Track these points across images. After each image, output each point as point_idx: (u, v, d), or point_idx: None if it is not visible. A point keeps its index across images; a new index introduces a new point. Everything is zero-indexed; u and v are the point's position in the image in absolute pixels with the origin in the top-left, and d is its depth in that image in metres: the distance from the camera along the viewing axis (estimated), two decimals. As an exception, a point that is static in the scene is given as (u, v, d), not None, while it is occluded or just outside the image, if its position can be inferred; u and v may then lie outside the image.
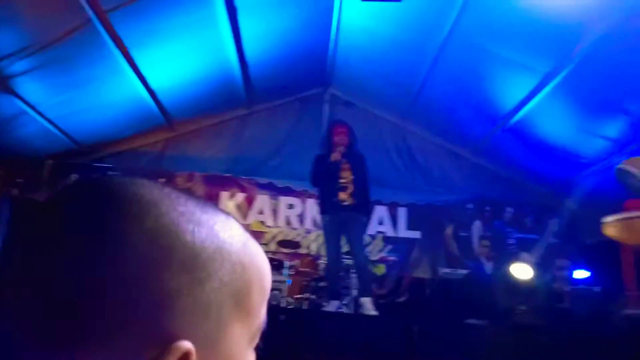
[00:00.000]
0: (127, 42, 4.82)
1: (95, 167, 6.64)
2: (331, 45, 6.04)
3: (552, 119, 5.41)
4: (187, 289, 0.32)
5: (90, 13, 4.23)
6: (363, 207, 3.93)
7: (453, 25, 4.62)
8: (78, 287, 0.29)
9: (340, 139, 3.99)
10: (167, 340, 0.30)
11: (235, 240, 0.37)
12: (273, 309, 3.84)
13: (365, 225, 3.94)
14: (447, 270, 5.18)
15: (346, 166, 3.95)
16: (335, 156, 3.90)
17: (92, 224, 0.31)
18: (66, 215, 0.31)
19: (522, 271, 3.73)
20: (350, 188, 3.87)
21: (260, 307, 0.39)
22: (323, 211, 3.95)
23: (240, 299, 0.36)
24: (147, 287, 0.30)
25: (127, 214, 0.32)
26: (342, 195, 3.84)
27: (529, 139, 5.75)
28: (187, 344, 0.31)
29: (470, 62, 5.18)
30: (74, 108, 5.58)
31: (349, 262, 4.80)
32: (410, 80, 5.82)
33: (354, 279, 4.63)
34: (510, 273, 3.70)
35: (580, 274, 5.19)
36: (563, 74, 4.59)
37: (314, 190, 4.40)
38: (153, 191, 0.34)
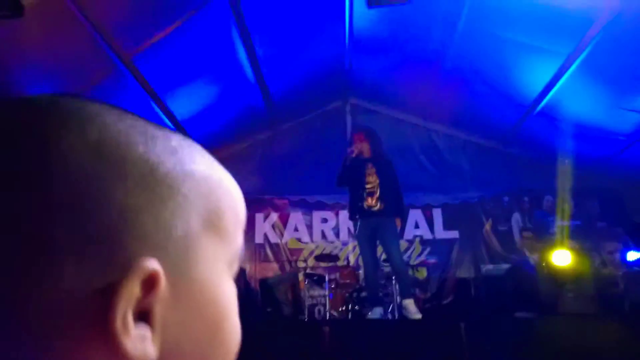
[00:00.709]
0: (151, 81, 5.05)
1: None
2: (346, 56, 6.11)
3: (582, 99, 5.24)
4: (146, 206, 0.28)
5: (115, 58, 4.48)
6: (393, 211, 3.92)
7: (467, 17, 4.59)
8: (25, 216, 0.26)
9: (358, 146, 4.02)
10: (130, 261, 0.27)
11: (198, 159, 0.34)
12: (317, 323, 3.85)
13: (396, 228, 3.92)
14: (490, 266, 5.05)
15: (372, 171, 3.97)
16: (354, 152, 3.95)
17: (24, 146, 0.27)
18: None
19: (566, 258, 3.60)
20: (377, 192, 3.88)
21: (236, 232, 0.35)
22: (352, 217, 3.97)
23: (209, 220, 0.32)
24: (100, 206, 0.27)
25: (65, 128, 0.28)
26: (370, 201, 3.85)
27: (560, 122, 5.58)
28: (153, 263, 0.27)
29: (490, 52, 5.10)
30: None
31: (389, 269, 4.78)
32: (430, 78, 5.79)
33: (395, 285, 4.59)
34: (555, 261, 3.57)
35: (633, 255, 4.94)
36: (586, 52, 4.47)
37: (345, 202, 4.44)
38: (95, 104, 0.31)
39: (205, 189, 0.33)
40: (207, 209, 0.32)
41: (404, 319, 3.64)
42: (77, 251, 0.26)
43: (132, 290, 0.27)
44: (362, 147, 4.01)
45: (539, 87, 5.22)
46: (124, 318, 0.26)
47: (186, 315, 0.30)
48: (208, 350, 0.32)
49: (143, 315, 0.28)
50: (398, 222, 4.00)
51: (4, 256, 0.26)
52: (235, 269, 0.36)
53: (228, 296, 0.34)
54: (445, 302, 5.56)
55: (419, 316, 3.51)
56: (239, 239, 0.36)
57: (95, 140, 0.29)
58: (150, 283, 0.27)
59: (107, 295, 0.26)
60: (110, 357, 0.26)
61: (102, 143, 0.29)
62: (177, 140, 0.33)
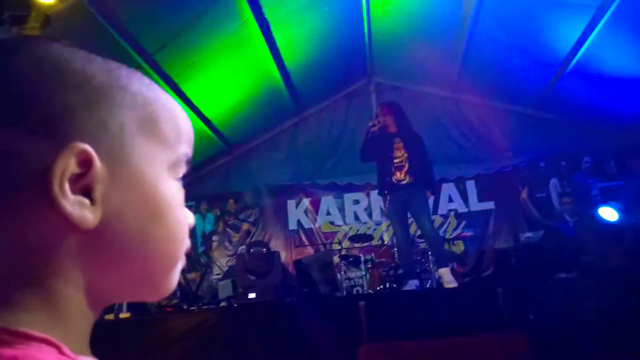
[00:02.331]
0: (176, 78, 5.17)
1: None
2: (366, 34, 6.03)
3: (616, 52, 4.98)
4: (82, 106, 0.35)
5: (138, 59, 4.61)
6: (423, 184, 3.88)
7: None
8: None
9: (381, 119, 3.99)
10: (66, 144, 0.33)
11: (135, 80, 0.40)
12: (353, 298, 3.88)
13: (427, 200, 3.87)
14: (530, 234, 4.91)
15: (399, 145, 3.93)
16: (376, 125, 3.92)
17: None
18: None
19: (609, 214, 3.45)
20: (406, 166, 3.84)
21: (177, 143, 0.41)
22: (381, 192, 3.96)
23: (145, 126, 0.39)
24: (40, 103, 0.34)
25: (18, 49, 0.35)
26: (399, 175, 3.82)
27: (595, 78, 5.32)
28: (85, 146, 0.34)
29: (514, 12, 4.91)
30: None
31: (424, 246, 4.74)
32: (453, 47, 5.63)
33: (431, 260, 4.55)
34: (597, 219, 3.44)
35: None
36: (616, 2, 4.24)
37: (375, 182, 4.40)
38: (54, 42, 0.37)
39: (141, 100, 0.39)
40: (141, 116, 0.39)
41: (439, 288, 3.62)
42: (25, 137, 0.33)
43: (67, 162, 0.33)
44: (385, 121, 3.97)
45: (569, 44, 5.00)
46: (61, 184, 0.33)
47: (126, 197, 0.36)
48: (149, 228, 0.38)
49: (86, 192, 0.34)
50: (429, 195, 3.96)
51: None
52: (179, 173, 0.42)
53: (168, 189, 0.40)
54: (485, 274, 5.47)
55: (454, 284, 3.47)
56: (181, 149, 0.42)
57: (40, 57, 0.35)
58: (85, 162, 0.34)
59: (48, 169, 0.33)
60: (52, 218, 0.33)
61: (44, 60, 0.35)
62: (117, 65, 0.39)
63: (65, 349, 0.32)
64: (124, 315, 3.95)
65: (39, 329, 0.32)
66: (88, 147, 0.34)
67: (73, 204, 0.33)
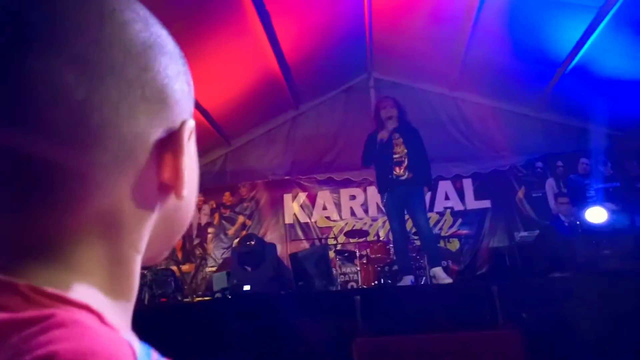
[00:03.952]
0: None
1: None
2: (367, 29, 6.01)
3: (616, 54, 4.98)
4: (178, 74, 0.38)
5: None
6: (421, 180, 3.87)
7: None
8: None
9: (387, 112, 3.96)
10: (185, 119, 0.37)
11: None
12: (348, 293, 3.88)
13: (424, 197, 3.86)
14: (525, 233, 4.93)
15: (399, 141, 3.91)
16: (383, 135, 3.88)
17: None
18: None
19: (597, 216, 3.46)
20: (405, 162, 3.83)
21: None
22: (381, 190, 3.94)
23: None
24: (149, 75, 0.35)
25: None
26: (398, 170, 3.81)
27: (593, 80, 5.32)
28: (193, 122, 0.38)
29: (516, 12, 4.89)
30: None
31: (419, 242, 4.74)
32: (453, 45, 5.62)
33: (426, 258, 4.56)
34: (589, 219, 3.45)
35: (677, 214, 4.70)
36: (618, 4, 4.24)
37: (372, 178, 4.37)
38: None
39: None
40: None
41: (434, 284, 3.62)
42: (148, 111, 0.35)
43: (187, 131, 0.37)
44: (392, 112, 3.95)
45: (569, 45, 4.99)
46: (183, 147, 0.37)
47: (191, 174, 0.39)
48: (192, 200, 0.41)
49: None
50: (426, 191, 3.94)
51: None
52: None
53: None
54: (479, 272, 5.49)
55: (449, 280, 3.48)
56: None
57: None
58: (189, 133, 0.38)
59: (175, 132, 0.37)
60: (154, 183, 0.36)
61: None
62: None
63: (107, 319, 0.30)
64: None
65: (82, 296, 0.30)
66: (194, 124, 0.38)
67: (182, 170, 0.36)
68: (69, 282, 0.30)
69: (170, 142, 0.36)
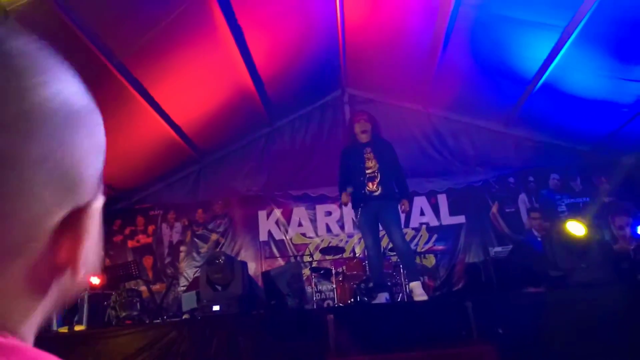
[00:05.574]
0: (145, 83, 5.02)
1: (136, 209, 6.89)
2: (340, 46, 6.04)
3: (582, 73, 5.13)
4: (90, 151, 0.38)
5: (107, 62, 4.45)
6: (394, 194, 3.84)
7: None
8: None
9: (361, 125, 3.95)
10: (84, 201, 0.36)
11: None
12: (321, 311, 3.78)
13: (398, 211, 3.83)
14: (499, 248, 4.94)
15: (370, 155, 3.89)
16: (362, 138, 3.88)
17: None
18: None
19: (577, 228, 3.49)
20: (378, 177, 3.80)
21: None
22: (355, 206, 3.89)
23: None
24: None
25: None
26: (371, 186, 3.78)
27: (561, 98, 5.46)
28: (100, 202, 0.39)
29: (484, 31, 5.01)
30: (107, 157, 5.83)
31: (396, 259, 4.68)
32: (426, 62, 5.70)
33: (403, 273, 4.50)
34: (564, 233, 3.47)
35: (645, 228, 4.80)
36: (582, 23, 4.37)
37: (348, 193, 4.25)
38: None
39: None
40: None
41: (409, 301, 3.56)
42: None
43: (93, 212, 0.37)
44: (366, 127, 3.94)
45: (537, 63, 5.12)
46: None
47: None
48: None
49: None
50: (406, 203, 3.89)
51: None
52: None
53: None
54: (455, 288, 5.47)
55: (424, 298, 3.42)
56: None
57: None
58: (94, 213, 0.37)
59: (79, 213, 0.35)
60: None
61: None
62: None
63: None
64: (79, 327, 3.73)
65: None
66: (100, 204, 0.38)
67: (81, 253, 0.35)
68: None
69: (73, 223, 0.34)
